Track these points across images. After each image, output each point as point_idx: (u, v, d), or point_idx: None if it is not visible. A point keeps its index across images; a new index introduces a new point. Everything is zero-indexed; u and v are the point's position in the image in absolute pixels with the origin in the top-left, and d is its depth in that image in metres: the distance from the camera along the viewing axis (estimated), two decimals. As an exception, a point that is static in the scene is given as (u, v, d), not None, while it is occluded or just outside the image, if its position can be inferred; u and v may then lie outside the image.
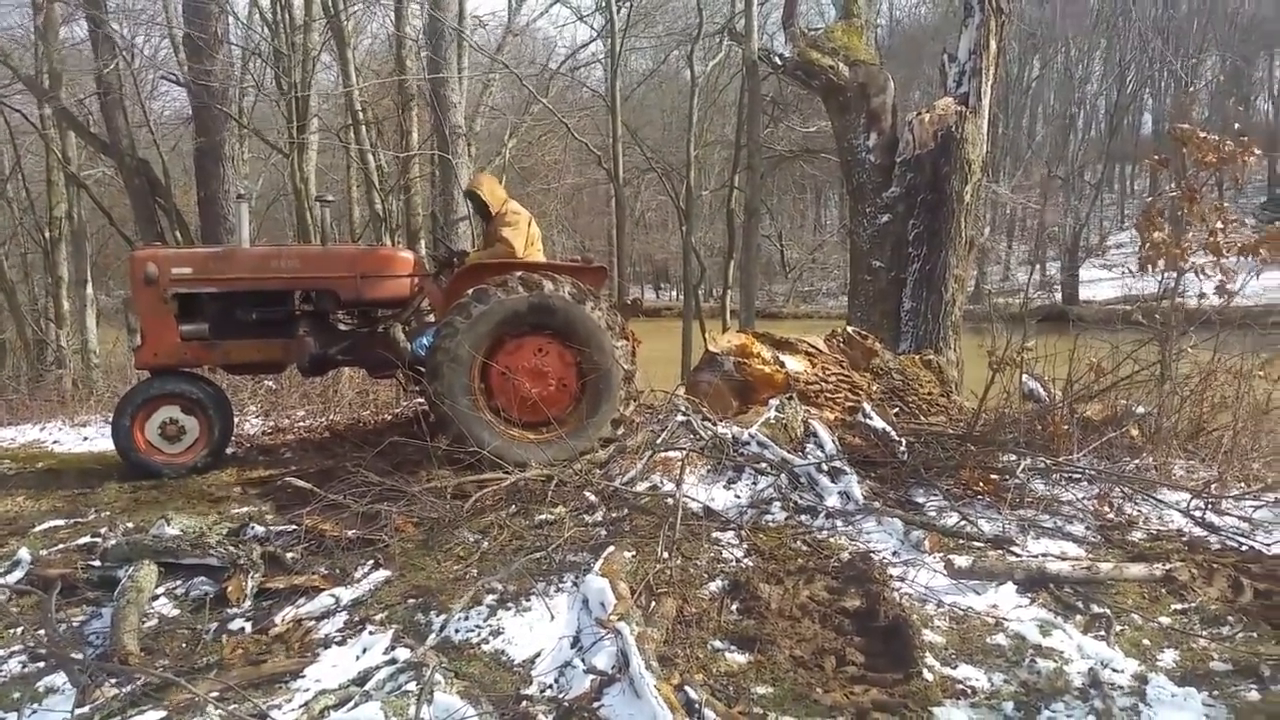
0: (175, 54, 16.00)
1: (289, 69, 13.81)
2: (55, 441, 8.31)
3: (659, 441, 5.79)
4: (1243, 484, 5.50)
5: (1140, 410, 6.29)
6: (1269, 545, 4.50)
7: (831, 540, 4.60)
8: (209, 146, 12.14)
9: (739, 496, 5.21)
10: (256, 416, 8.71)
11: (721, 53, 20.21)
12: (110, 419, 6.55)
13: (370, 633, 3.64)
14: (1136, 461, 5.82)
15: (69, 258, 17.75)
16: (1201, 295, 6.41)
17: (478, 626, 3.63)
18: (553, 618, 3.67)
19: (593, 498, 5.09)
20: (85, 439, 8.29)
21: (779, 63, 11.13)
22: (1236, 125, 7.04)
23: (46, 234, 17.91)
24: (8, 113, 17.39)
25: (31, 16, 16.77)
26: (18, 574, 4.44)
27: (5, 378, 16.21)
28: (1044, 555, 4.33)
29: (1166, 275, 6.57)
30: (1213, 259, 6.28)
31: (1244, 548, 4.50)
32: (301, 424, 8.33)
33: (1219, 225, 6.28)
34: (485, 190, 6.89)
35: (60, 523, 5.37)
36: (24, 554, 4.61)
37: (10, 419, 9.99)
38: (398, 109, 15.30)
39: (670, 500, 4.86)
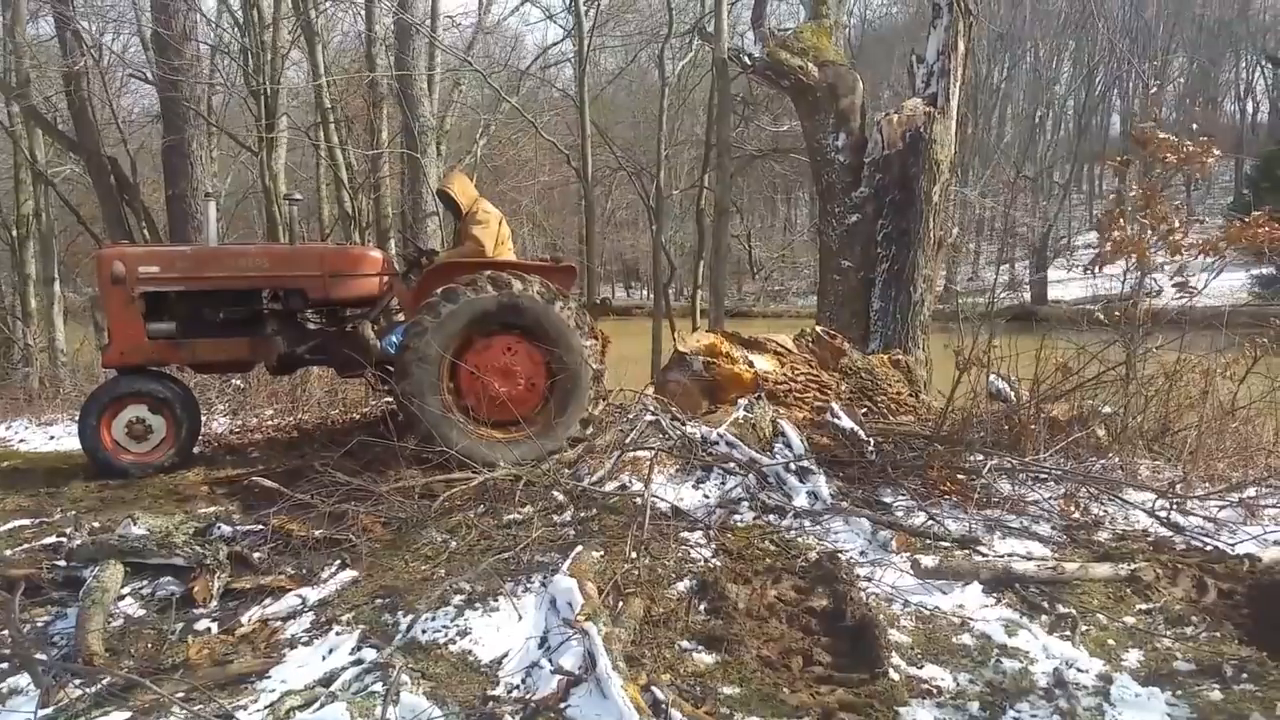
0: (144, 51, 15.84)
1: (258, 67, 13.69)
2: (21, 440, 8.22)
3: (628, 441, 5.79)
4: (1208, 484, 5.57)
5: (1106, 410, 6.36)
6: (1233, 545, 4.56)
7: (799, 540, 4.62)
8: (177, 144, 12.02)
9: (707, 496, 5.23)
10: (224, 415, 8.64)
11: (691, 52, 20.22)
12: (77, 418, 6.47)
13: (337, 633, 3.63)
14: (1102, 461, 5.89)
15: (36, 256, 17.50)
16: (1159, 292, 6.50)
17: (445, 627, 3.62)
18: (520, 618, 3.67)
19: (561, 497, 5.09)
20: (52, 438, 8.19)
21: (748, 63, 11.13)
22: (1195, 125, 7.15)
23: (14, 232, 17.64)
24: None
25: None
26: (-19, 574, 4.38)
27: (-29, 375, 15.94)
28: (1010, 555, 4.37)
29: (1130, 275, 6.65)
30: (1172, 257, 6.37)
31: (1208, 548, 4.56)
32: (270, 423, 8.27)
33: (1176, 224, 6.37)
34: (456, 189, 6.87)
35: (26, 522, 5.31)
36: (-13, 554, 4.57)
37: (-24, 418, 9.83)
38: (368, 106, 15.20)
39: (639, 500, 4.87)
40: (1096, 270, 6.63)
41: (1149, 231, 6.45)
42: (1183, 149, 6.32)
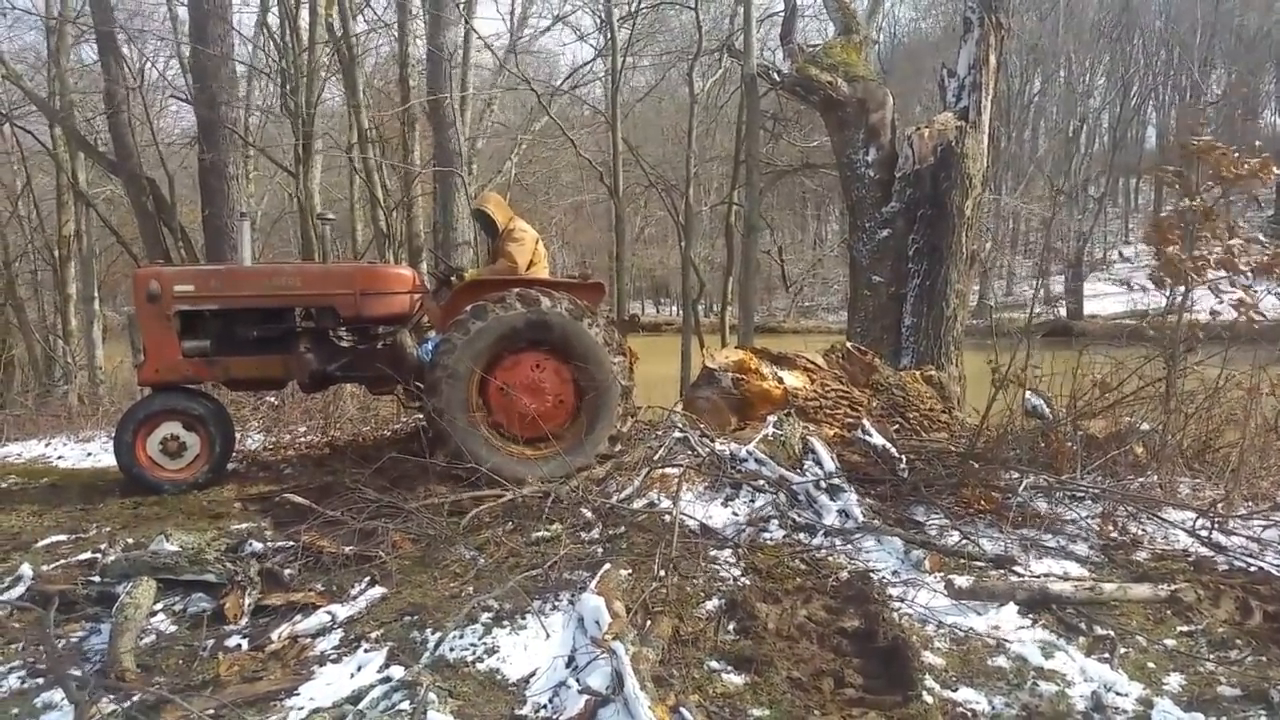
0: (183, 74, 16.14)
1: (295, 89, 13.90)
2: (59, 457, 8.33)
3: (656, 458, 5.78)
4: (1251, 503, 5.45)
5: (1145, 427, 6.24)
6: (1278, 566, 4.45)
7: (830, 559, 4.57)
8: (214, 165, 12.18)
9: (736, 514, 5.20)
10: (258, 432, 8.71)
11: (721, 70, 20.28)
12: (113, 434, 6.56)
13: (365, 650, 3.62)
14: (1141, 480, 5.78)
15: (77, 275, 17.90)
16: (1215, 313, 6.36)
17: (472, 645, 3.61)
18: (548, 636, 3.65)
19: (589, 515, 5.08)
20: (89, 454, 8.30)
21: (778, 79, 11.15)
22: (1258, 143, 6.95)
23: (56, 252, 18.07)
24: (19, 133, 17.57)
25: (45, 38, 17.03)
26: (19, 589, 4.43)
27: (14, 393, 16.28)
28: (1046, 575, 4.30)
29: (1175, 290, 6.52)
30: (1226, 275, 6.21)
31: (1252, 569, 4.45)
32: (302, 440, 8.33)
33: (1234, 243, 6.20)
34: (492, 208, 6.94)
35: (62, 538, 5.36)
36: (26, 569, 4.61)
37: (17, 434, 10.01)
38: (401, 127, 15.39)
39: (667, 518, 4.84)
40: (1164, 286, 6.46)
41: (1205, 248, 6.26)
42: (1242, 165, 6.15)
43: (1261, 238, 6.50)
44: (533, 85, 17.29)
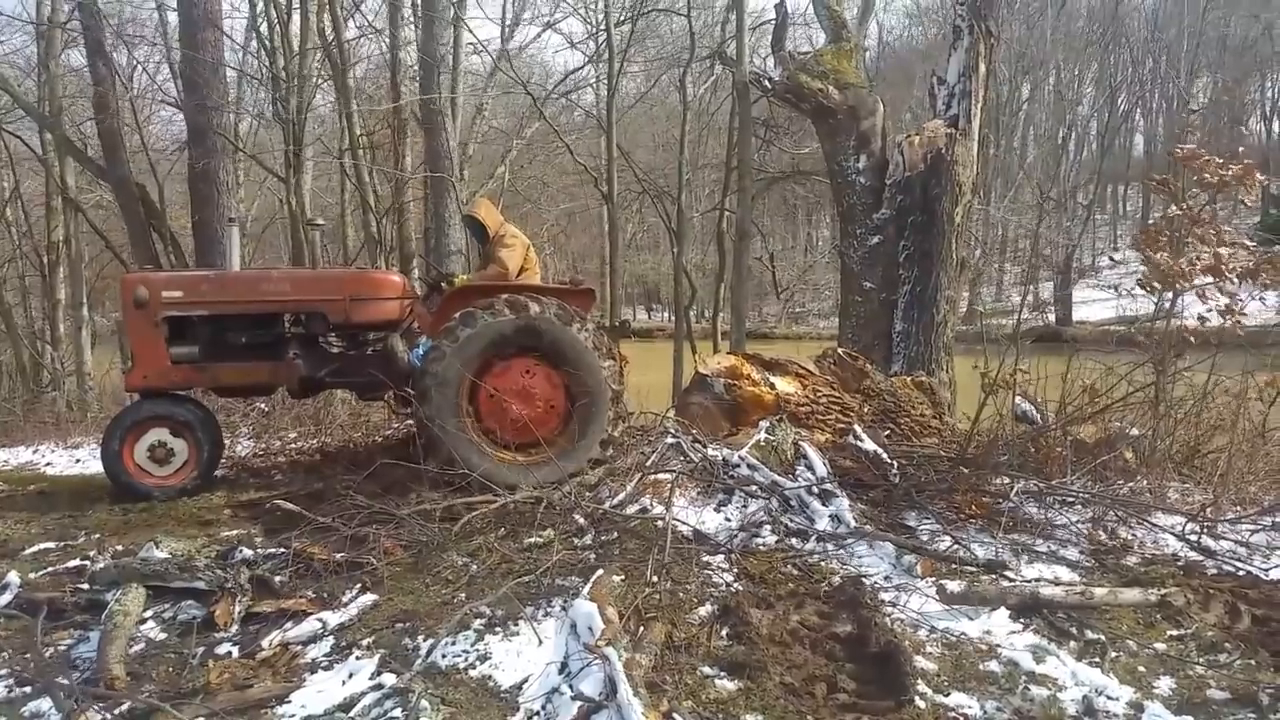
0: (174, 79, 16.10)
1: (286, 94, 13.87)
2: (48, 464, 8.29)
3: (649, 464, 5.77)
4: (1239, 507, 5.48)
5: (1134, 432, 6.27)
6: (1266, 570, 4.47)
7: (822, 564, 4.57)
8: (204, 170, 12.11)
9: (729, 520, 5.19)
10: (248, 438, 8.67)
11: (713, 76, 20.35)
12: (101, 441, 6.52)
13: (357, 657, 3.60)
14: (1130, 485, 5.79)
15: (66, 281, 17.80)
16: (1202, 318, 6.39)
17: (465, 651, 3.60)
18: (540, 643, 3.64)
19: (582, 521, 5.06)
20: (77, 461, 8.26)
21: (769, 86, 11.18)
22: (1241, 149, 7.01)
23: (44, 258, 17.98)
24: (7, 138, 17.49)
25: (34, 41, 16.99)
26: (6, 597, 4.39)
27: (2, 400, 16.18)
28: (1038, 580, 4.31)
29: (1163, 296, 6.56)
30: (1213, 281, 6.25)
31: (1241, 572, 4.47)
32: (293, 446, 8.29)
33: (1221, 250, 6.23)
34: (483, 213, 6.95)
35: (50, 545, 5.32)
36: (13, 577, 4.56)
37: (4, 441, 9.96)
38: (392, 133, 15.37)
39: (660, 523, 4.84)
40: (1150, 291, 6.49)
41: (1193, 254, 6.29)
42: (1226, 170, 6.18)
43: (1248, 243, 6.54)
44: (527, 88, 17.29)
